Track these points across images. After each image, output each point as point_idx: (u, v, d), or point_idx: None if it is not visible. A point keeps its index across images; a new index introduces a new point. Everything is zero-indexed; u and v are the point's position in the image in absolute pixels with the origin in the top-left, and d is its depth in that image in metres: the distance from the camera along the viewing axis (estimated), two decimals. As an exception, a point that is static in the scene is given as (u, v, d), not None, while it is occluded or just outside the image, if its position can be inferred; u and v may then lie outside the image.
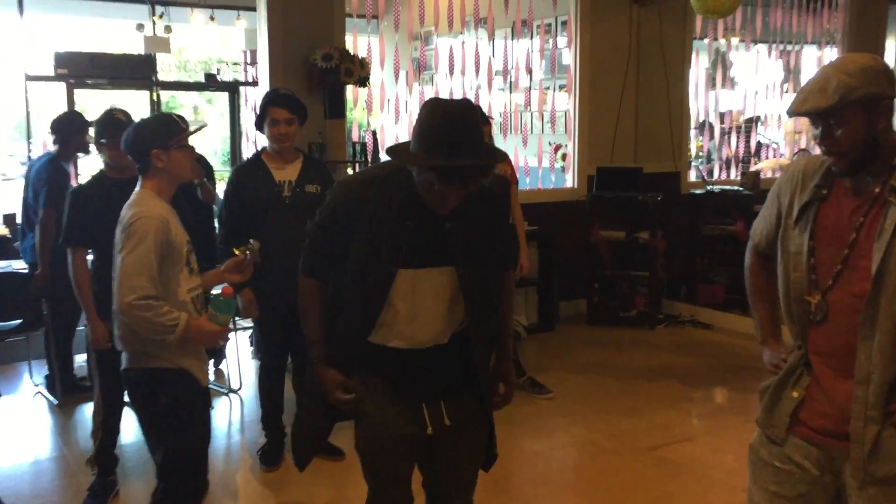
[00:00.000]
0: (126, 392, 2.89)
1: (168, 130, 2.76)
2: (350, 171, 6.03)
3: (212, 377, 5.82)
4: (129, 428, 4.67)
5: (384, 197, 2.11)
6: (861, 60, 1.86)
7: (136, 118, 3.74)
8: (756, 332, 2.30)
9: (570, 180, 7.36)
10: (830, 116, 1.86)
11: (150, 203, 2.71)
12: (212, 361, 5.94)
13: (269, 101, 4.02)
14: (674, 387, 5.39)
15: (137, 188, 2.79)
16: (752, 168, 8.59)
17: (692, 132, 8.15)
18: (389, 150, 2.13)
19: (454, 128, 1.95)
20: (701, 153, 8.59)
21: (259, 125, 4.05)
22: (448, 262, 2.13)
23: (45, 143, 6.87)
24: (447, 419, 2.23)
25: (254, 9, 6.03)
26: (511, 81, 8.30)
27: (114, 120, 3.63)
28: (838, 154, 1.90)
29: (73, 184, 4.89)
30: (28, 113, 5.64)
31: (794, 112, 1.91)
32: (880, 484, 1.90)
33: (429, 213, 2.09)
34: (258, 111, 4.09)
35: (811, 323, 1.99)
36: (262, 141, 4.16)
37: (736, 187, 7.52)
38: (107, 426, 3.77)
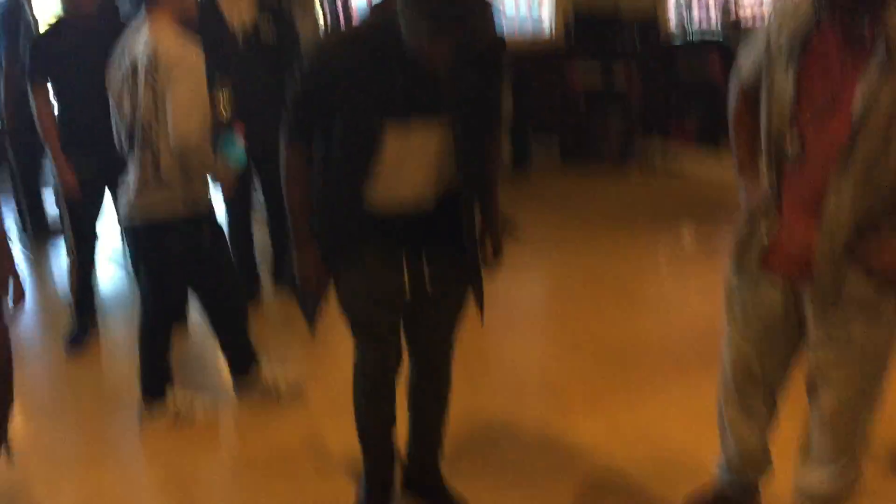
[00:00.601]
0: (151, 240, 2.88)
1: None
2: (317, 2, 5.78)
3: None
4: (107, 274, 4.71)
5: (370, 52, 2.00)
6: None
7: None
8: (734, 168, 2.29)
9: (547, 26, 7.17)
10: None
11: (177, 36, 2.66)
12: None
13: None
14: (643, 224, 5.49)
15: (147, 23, 2.71)
16: (732, 13, 8.34)
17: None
18: (376, 6, 2.01)
19: None
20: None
21: None
22: (437, 114, 2.05)
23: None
24: (429, 286, 2.22)
25: None
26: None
27: None
28: None
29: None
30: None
31: None
32: (837, 311, 2.01)
33: (419, 65, 1.97)
34: None
35: (787, 161, 1.99)
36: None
37: (715, 38, 7.35)
38: (82, 272, 3.79)
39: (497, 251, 2.38)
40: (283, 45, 3.84)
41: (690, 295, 4.42)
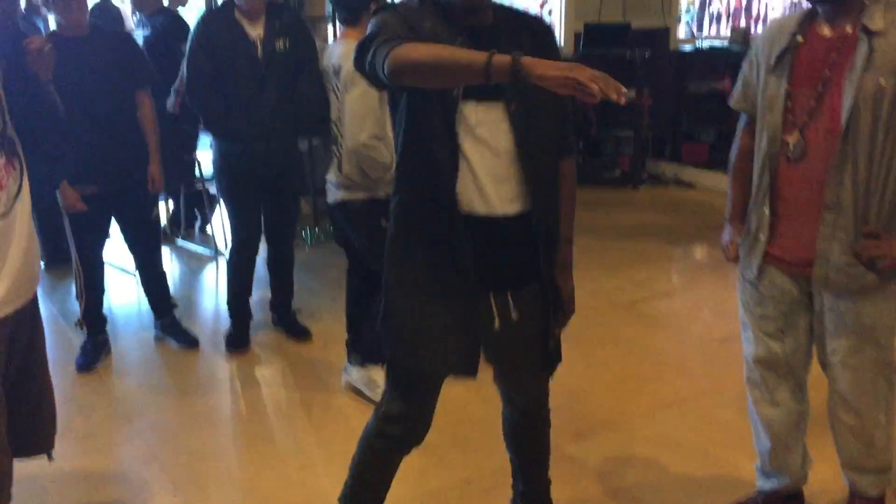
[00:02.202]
0: (337, 221, 3.23)
1: None
2: (330, 29, 5.83)
3: (198, 241, 5.85)
4: (118, 289, 4.73)
5: (429, 22, 1.86)
6: None
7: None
8: (727, 207, 2.47)
9: (556, 38, 7.18)
10: None
11: None
12: (197, 224, 5.94)
13: None
14: (655, 245, 5.46)
15: (342, 38, 3.19)
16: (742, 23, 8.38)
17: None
18: None
19: None
20: (692, 6, 8.35)
21: None
22: (500, 95, 1.86)
23: None
24: (513, 313, 1.99)
25: None
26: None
27: None
28: None
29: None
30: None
31: None
32: (841, 298, 2.11)
33: (476, 34, 1.86)
34: None
35: (788, 161, 2.12)
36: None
37: (725, 44, 7.35)
38: (90, 287, 3.79)
39: (568, 308, 2.17)
40: (297, 51, 3.66)
41: (702, 311, 4.39)
